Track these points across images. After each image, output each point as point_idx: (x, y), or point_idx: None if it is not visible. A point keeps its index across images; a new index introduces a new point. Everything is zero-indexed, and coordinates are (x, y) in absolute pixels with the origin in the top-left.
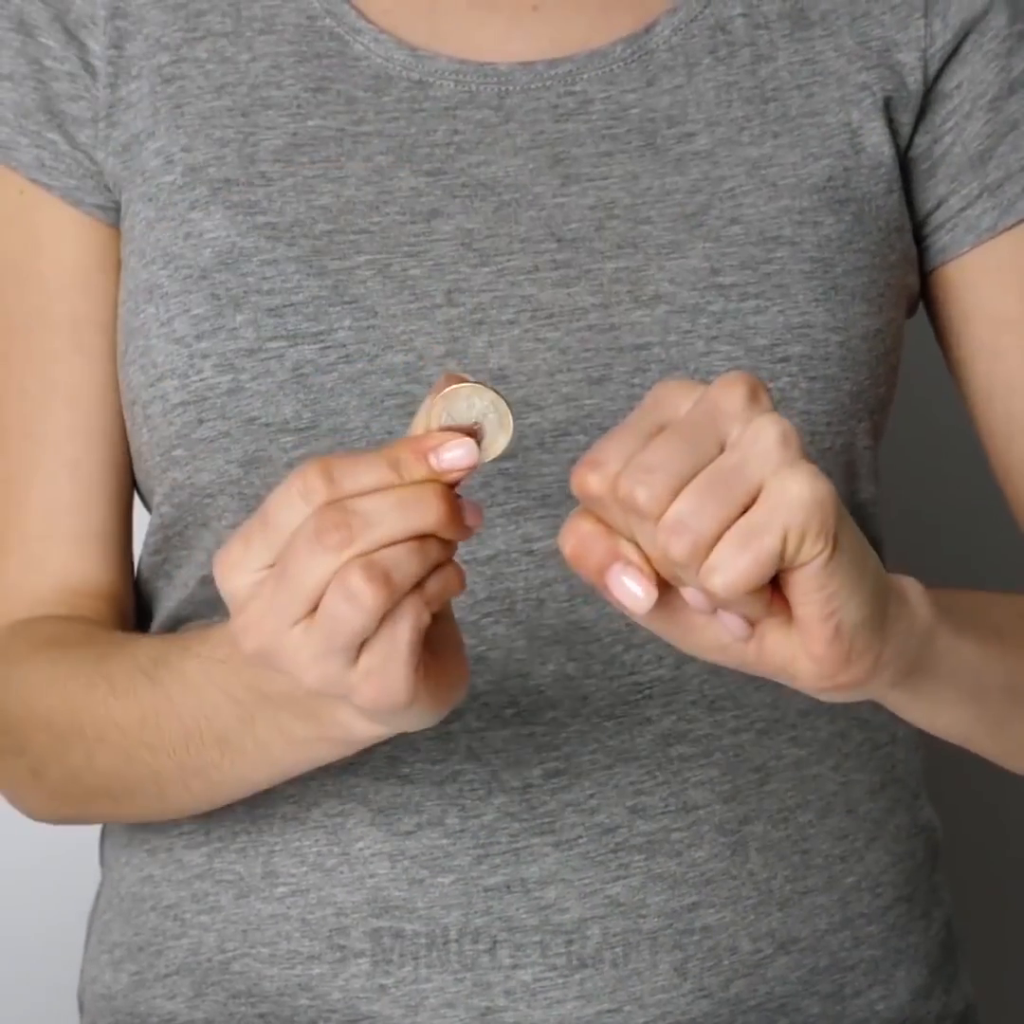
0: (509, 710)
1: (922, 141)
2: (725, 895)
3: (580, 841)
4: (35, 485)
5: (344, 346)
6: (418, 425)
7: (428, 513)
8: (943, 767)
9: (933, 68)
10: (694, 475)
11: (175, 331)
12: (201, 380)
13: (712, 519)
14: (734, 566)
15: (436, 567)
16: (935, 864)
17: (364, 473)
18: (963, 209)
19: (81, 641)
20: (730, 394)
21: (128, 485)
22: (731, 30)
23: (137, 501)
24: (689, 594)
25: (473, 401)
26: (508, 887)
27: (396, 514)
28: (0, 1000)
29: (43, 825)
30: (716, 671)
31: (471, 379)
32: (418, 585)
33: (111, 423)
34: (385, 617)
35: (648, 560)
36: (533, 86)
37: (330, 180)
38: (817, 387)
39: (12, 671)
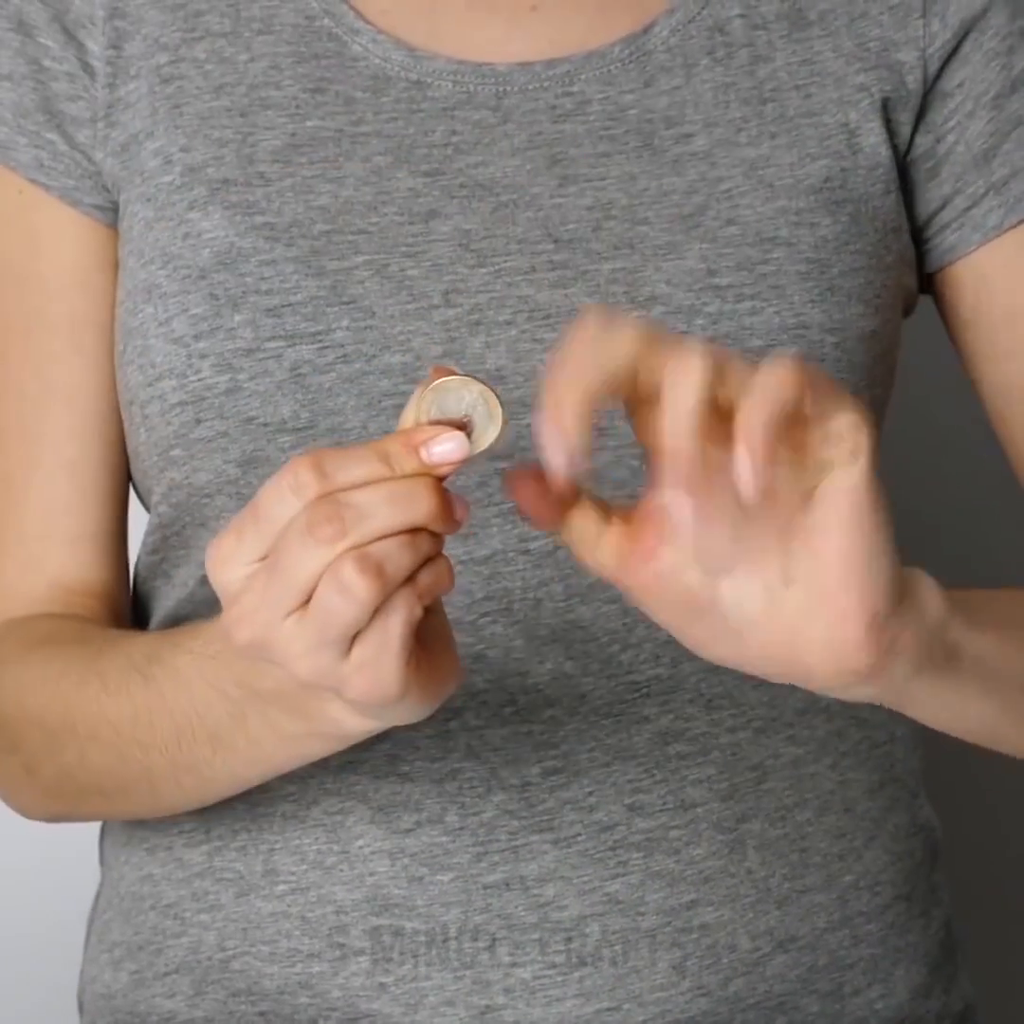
0: (507, 708)
1: (923, 141)
2: (723, 893)
3: (579, 839)
4: (33, 485)
5: (342, 346)
6: (407, 418)
7: (420, 506)
8: (943, 767)
9: (933, 68)
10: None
11: (173, 331)
12: (199, 380)
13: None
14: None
15: (427, 560)
16: (934, 864)
17: (355, 467)
18: (969, 208)
19: (74, 638)
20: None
21: (125, 485)
22: (729, 31)
23: (135, 501)
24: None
25: (462, 394)
26: (507, 885)
27: (388, 507)
28: (0, 1000)
29: (42, 825)
30: (713, 670)
31: (460, 372)
32: (410, 578)
33: (109, 423)
34: (378, 610)
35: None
36: (531, 87)
37: (328, 180)
38: None
39: (5, 669)
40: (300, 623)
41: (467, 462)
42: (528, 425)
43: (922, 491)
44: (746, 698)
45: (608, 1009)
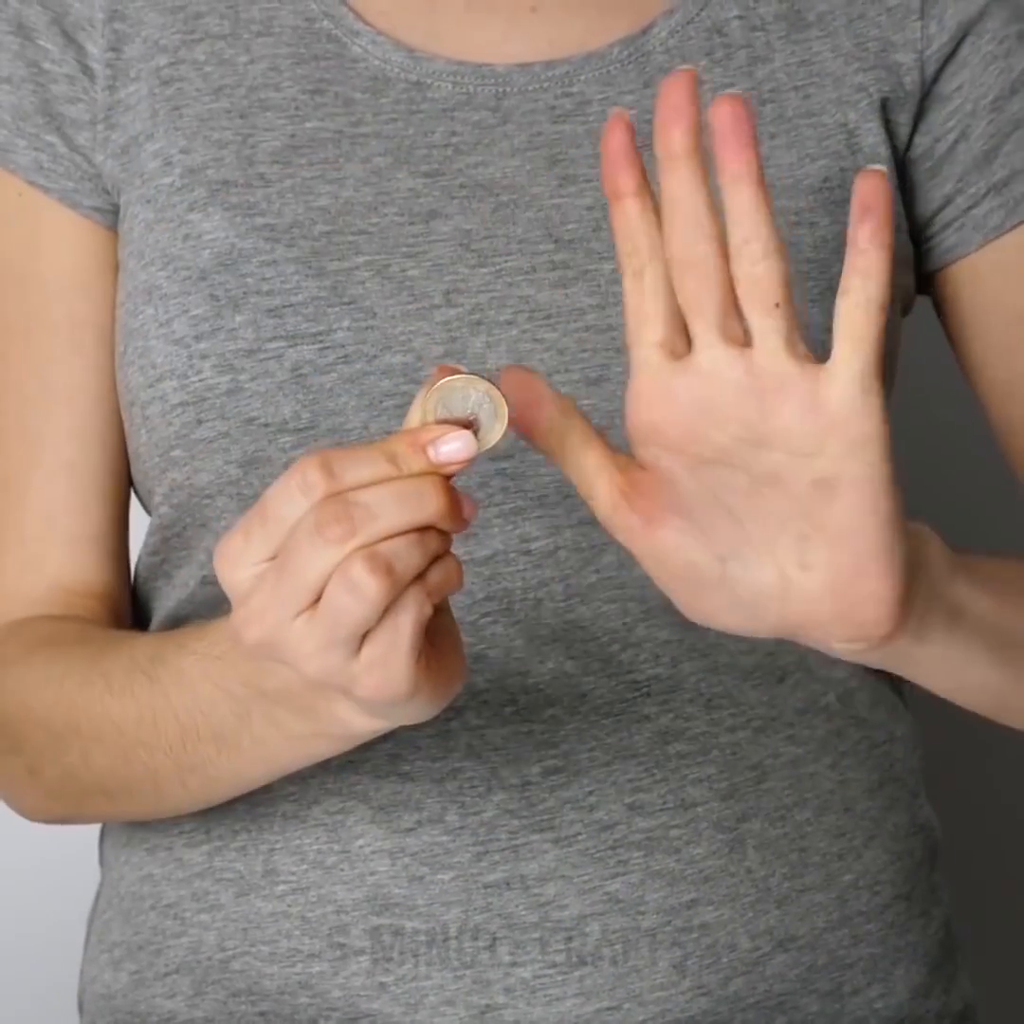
0: (508, 708)
1: (922, 142)
2: (723, 892)
3: (579, 838)
4: (33, 486)
5: (343, 347)
6: (413, 418)
7: (428, 505)
8: (942, 766)
9: (931, 70)
10: None
11: (174, 332)
12: (200, 381)
13: None
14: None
15: (436, 559)
16: (934, 863)
17: (363, 466)
18: (970, 208)
19: (77, 639)
20: None
21: (125, 486)
22: (728, 32)
23: (136, 502)
24: None
25: (467, 393)
26: (507, 884)
27: (397, 506)
28: (0, 1000)
29: (43, 825)
30: (713, 670)
31: (465, 371)
32: (419, 577)
33: (109, 425)
34: (387, 609)
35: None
36: (530, 87)
37: (328, 181)
38: None
39: (7, 671)
40: (310, 623)
41: (474, 460)
42: None
43: (922, 491)
44: (746, 698)
45: (608, 1008)
